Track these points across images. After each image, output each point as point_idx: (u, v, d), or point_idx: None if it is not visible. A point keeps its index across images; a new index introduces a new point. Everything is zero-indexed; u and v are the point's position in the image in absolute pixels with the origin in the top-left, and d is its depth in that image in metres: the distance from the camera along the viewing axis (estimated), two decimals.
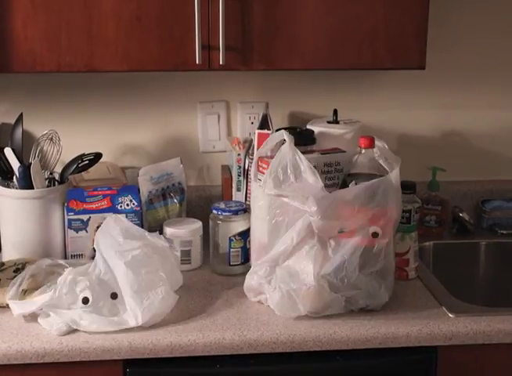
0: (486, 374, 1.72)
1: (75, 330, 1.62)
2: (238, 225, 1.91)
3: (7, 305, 1.68)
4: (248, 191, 1.99)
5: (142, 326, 1.62)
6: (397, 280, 1.80)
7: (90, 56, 1.78)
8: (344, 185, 1.75)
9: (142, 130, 2.20)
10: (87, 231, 1.90)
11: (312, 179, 1.69)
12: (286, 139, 1.74)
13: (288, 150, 1.72)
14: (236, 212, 1.90)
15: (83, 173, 2.02)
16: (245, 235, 1.91)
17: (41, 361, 1.57)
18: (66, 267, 1.73)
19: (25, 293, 1.69)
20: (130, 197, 1.94)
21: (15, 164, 1.90)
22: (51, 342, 1.58)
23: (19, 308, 1.65)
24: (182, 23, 1.77)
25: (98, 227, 1.86)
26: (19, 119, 1.99)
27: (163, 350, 1.60)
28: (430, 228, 2.20)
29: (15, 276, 1.73)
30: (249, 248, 1.90)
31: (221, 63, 1.79)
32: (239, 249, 1.91)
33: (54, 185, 1.95)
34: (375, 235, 1.67)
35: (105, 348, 1.58)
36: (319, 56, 1.85)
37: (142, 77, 2.12)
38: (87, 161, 1.96)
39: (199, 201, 2.19)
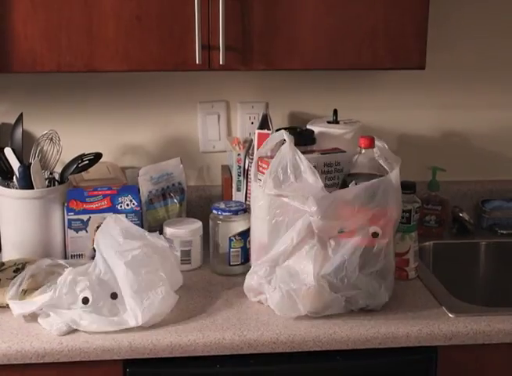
0: (486, 374, 1.72)
1: (75, 330, 1.62)
2: (238, 226, 1.91)
3: (7, 305, 1.68)
4: (248, 191, 1.99)
5: (142, 326, 1.62)
6: (397, 280, 1.80)
7: (90, 56, 1.78)
8: (344, 185, 1.75)
9: (142, 130, 2.20)
10: (87, 231, 1.90)
11: (312, 179, 1.69)
12: (286, 139, 1.74)
13: (288, 150, 1.72)
14: (236, 212, 1.90)
15: (83, 173, 2.02)
16: (245, 235, 1.91)
17: (41, 361, 1.57)
18: (66, 267, 1.73)
19: (25, 293, 1.69)
20: (130, 197, 1.94)
21: (15, 164, 1.90)
22: (51, 342, 1.58)
23: (19, 308, 1.65)
24: (182, 23, 1.77)
25: (98, 227, 1.86)
26: (19, 119, 1.99)
27: (163, 350, 1.60)
28: (430, 228, 2.20)
29: (15, 276, 1.73)
30: (249, 248, 1.90)
31: (221, 63, 1.78)
32: (239, 249, 1.91)
33: (54, 185, 1.95)
34: (375, 235, 1.67)
35: (105, 348, 1.58)
36: (318, 56, 1.85)
37: (142, 77, 2.12)
38: (87, 161, 1.96)
39: (199, 201, 2.19)
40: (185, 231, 1.94)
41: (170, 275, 1.72)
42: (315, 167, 1.71)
